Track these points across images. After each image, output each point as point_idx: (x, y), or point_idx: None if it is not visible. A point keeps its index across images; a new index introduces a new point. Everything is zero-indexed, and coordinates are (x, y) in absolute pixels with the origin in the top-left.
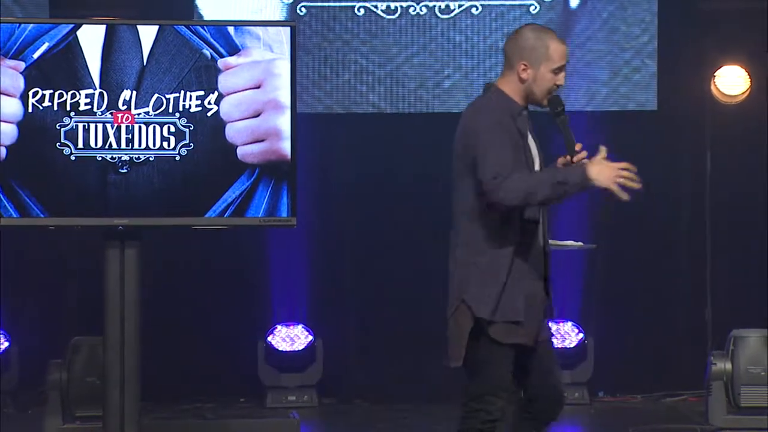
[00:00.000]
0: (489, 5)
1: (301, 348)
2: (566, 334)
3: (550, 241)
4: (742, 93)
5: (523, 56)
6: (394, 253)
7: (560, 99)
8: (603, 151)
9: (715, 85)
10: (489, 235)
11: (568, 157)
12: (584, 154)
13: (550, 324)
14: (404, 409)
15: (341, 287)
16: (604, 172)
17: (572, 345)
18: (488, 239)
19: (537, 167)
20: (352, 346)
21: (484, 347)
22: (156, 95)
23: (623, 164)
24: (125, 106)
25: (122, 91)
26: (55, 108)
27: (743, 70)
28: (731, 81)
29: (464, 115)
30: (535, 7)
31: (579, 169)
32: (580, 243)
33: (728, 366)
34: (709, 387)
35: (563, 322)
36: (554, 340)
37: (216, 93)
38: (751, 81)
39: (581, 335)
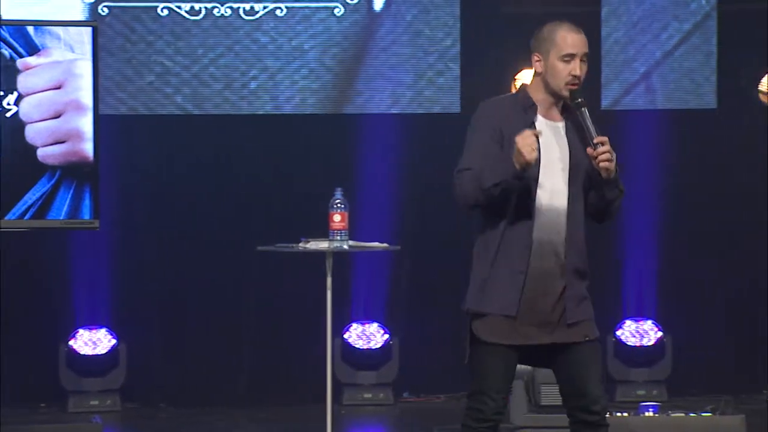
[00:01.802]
0: (293, 7)
1: (104, 352)
2: (372, 336)
3: (352, 242)
4: None
5: (536, 48)
6: (198, 255)
7: (578, 93)
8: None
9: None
10: (481, 227)
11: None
12: (606, 148)
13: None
14: (210, 413)
15: (145, 290)
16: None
17: (378, 346)
18: (481, 231)
19: (558, 162)
20: (156, 349)
21: (473, 344)
22: None
23: None
24: None
25: None
26: None
27: None
28: None
29: None
30: (340, 10)
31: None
32: (385, 244)
33: None
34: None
35: (369, 323)
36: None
37: (15, 93)
38: None
39: (387, 336)
